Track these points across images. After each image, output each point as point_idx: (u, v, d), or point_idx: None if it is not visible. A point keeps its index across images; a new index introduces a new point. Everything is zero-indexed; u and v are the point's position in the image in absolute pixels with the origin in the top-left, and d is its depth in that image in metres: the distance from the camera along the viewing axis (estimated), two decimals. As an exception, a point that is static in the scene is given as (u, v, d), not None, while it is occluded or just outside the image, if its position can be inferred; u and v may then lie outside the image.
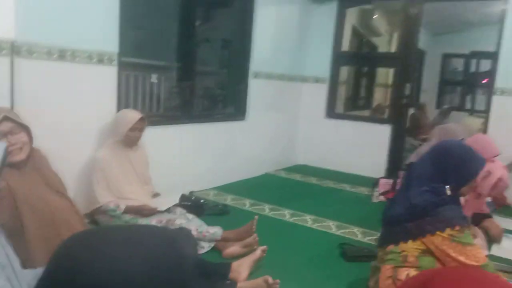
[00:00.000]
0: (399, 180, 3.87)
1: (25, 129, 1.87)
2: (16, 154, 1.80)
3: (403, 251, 1.85)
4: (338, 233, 3.10)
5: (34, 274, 1.49)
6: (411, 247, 1.84)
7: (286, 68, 4.89)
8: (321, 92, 5.28)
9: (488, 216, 3.11)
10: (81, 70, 2.72)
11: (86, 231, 0.66)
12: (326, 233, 3.08)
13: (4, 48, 2.23)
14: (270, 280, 2.00)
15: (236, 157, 4.32)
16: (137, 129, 2.83)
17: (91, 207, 2.71)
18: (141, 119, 2.83)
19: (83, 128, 2.80)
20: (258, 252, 2.27)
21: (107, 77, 2.92)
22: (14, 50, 2.28)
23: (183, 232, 0.74)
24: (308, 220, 3.31)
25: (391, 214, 1.92)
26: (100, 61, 2.83)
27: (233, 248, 2.49)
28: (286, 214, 3.41)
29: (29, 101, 2.36)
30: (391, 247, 1.89)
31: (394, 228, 1.88)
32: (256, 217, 2.58)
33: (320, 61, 5.22)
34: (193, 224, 2.63)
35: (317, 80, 5.28)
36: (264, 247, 2.31)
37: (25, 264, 1.47)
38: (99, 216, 2.74)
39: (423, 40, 6.77)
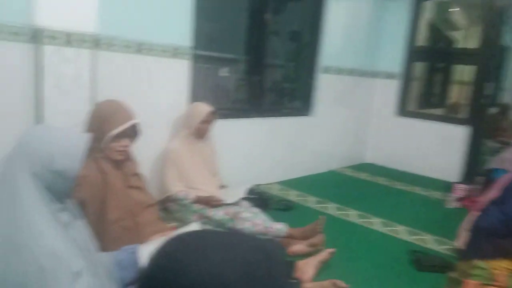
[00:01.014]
0: (479, 187, 3.58)
1: (136, 136, 1.99)
2: (120, 155, 1.93)
3: (494, 268, 1.68)
4: (408, 239, 2.94)
5: (110, 257, 1.56)
6: (502, 266, 1.67)
7: (356, 63, 4.72)
8: (392, 88, 5.04)
9: None
10: (156, 63, 2.81)
11: (186, 233, 0.65)
12: (395, 238, 2.93)
13: (87, 41, 2.34)
14: (342, 284, 1.93)
15: (301, 152, 4.26)
16: (208, 121, 2.88)
17: (162, 195, 2.80)
18: (212, 112, 2.86)
19: (157, 120, 2.90)
20: (325, 254, 2.21)
21: (180, 70, 2.99)
22: (95, 43, 2.40)
23: (274, 242, 0.70)
24: (376, 223, 3.17)
25: (483, 226, 1.76)
26: (175, 54, 2.90)
27: (298, 247, 2.45)
28: (352, 215, 3.30)
29: (107, 92, 2.47)
30: (478, 262, 1.73)
31: (485, 242, 1.72)
32: (324, 217, 2.51)
33: (392, 56, 4.98)
34: (259, 218, 2.62)
35: (388, 75, 5.04)
36: (332, 250, 2.25)
37: (101, 250, 1.54)
38: (169, 204, 2.83)
39: (507, 35, 6.19)
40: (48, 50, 2.19)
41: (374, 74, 5.03)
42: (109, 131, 1.82)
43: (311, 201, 3.53)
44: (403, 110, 5.07)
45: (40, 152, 1.16)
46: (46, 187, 1.17)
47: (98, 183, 1.79)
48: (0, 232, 1.11)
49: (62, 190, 1.21)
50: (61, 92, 2.27)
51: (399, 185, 4.34)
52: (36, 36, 2.16)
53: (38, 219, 1.14)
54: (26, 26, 2.14)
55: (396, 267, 2.48)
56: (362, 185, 4.31)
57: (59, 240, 1.17)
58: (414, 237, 2.97)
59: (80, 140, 1.25)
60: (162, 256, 0.62)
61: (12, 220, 1.11)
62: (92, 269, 1.33)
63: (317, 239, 2.44)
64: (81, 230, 1.38)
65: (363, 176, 4.62)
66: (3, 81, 2.13)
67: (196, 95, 3.18)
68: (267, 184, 3.86)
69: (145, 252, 1.52)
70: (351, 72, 4.65)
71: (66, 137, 1.24)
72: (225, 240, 0.64)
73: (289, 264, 2.14)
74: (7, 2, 2.08)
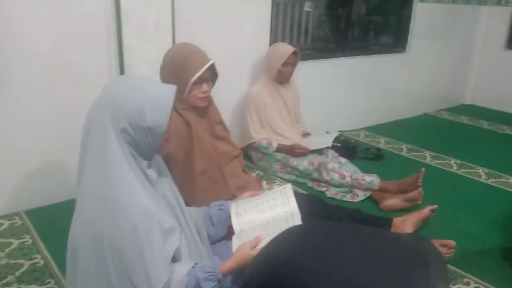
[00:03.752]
0: None
1: (215, 78, 1.85)
2: (203, 102, 1.81)
3: None
4: (521, 192, 2.57)
5: (198, 213, 1.51)
6: None
7: (461, -12, 4.05)
8: (503, 17, 4.31)
9: None
10: (236, 2, 2.61)
11: (308, 230, 0.49)
12: (504, 191, 2.58)
13: (165, -20, 2.19)
14: (451, 243, 1.74)
15: (391, 95, 3.87)
16: (290, 64, 2.66)
17: (244, 142, 2.72)
18: (294, 53, 2.63)
19: (238, 63, 2.75)
20: (426, 211, 1.98)
21: (261, 8, 2.77)
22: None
23: (436, 253, 0.51)
24: (481, 174, 2.81)
25: None
26: (255, -11, 2.67)
27: (393, 201, 2.24)
28: (452, 164, 2.95)
29: (186, 37, 2.34)
30: None
31: None
32: (423, 169, 2.24)
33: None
34: (347, 169, 2.43)
35: (499, 1, 4.28)
36: (434, 206, 2.00)
37: (188, 203, 1.48)
38: (251, 152, 2.75)
39: None
40: (127, -7, 2.10)
41: (481, 1, 4.29)
42: (189, 77, 1.70)
43: (404, 149, 3.23)
44: (515, 43, 4.35)
45: (130, 107, 1.08)
46: (132, 144, 1.11)
47: (183, 136, 1.72)
48: (94, 190, 1.08)
49: (149, 146, 1.14)
50: (141, 38, 2.20)
51: (506, 130, 3.81)
52: (113, -21, 2.06)
53: (130, 177, 1.10)
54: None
55: (506, 224, 2.17)
56: (463, 129, 3.85)
57: (149, 198, 1.13)
58: (529, 191, 2.59)
59: (170, 93, 1.15)
60: (275, 262, 0.45)
61: (105, 178, 1.07)
62: (181, 225, 1.30)
63: (416, 193, 2.20)
64: (169, 186, 1.33)
65: (462, 119, 4.13)
66: (87, 29, 2.09)
67: (276, 35, 2.95)
68: (353, 130, 3.59)
69: (234, 211, 1.45)
70: (454, -1, 4.01)
71: (156, 90, 1.14)
72: (367, 243, 0.45)
73: (384, 220, 1.96)
74: None
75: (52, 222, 2.01)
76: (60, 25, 2.01)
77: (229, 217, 1.45)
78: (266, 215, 1.40)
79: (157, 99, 1.12)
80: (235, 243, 1.35)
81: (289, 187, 1.50)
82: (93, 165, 1.08)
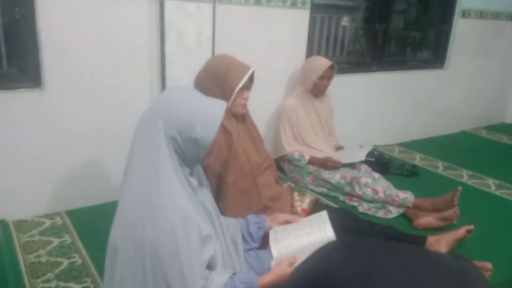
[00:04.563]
0: None
1: (252, 86, 1.92)
2: (245, 108, 1.88)
3: None
4: None
5: (236, 224, 1.55)
6: None
7: (504, 4, 3.93)
8: (550, 33, 4.15)
9: None
10: (275, 15, 2.65)
11: (350, 246, 0.50)
12: (546, 215, 2.48)
13: (207, -6, 2.27)
14: (489, 266, 1.69)
15: (428, 111, 3.80)
16: (326, 77, 2.68)
17: (277, 154, 2.74)
18: (331, 67, 2.65)
19: (274, 75, 2.79)
20: (461, 231, 1.93)
21: (299, 21, 2.79)
22: (215, -4, 2.32)
23: (478, 275, 0.52)
24: (522, 196, 2.71)
25: None
26: (294, 4, 2.70)
27: (428, 219, 2.19)
28: (490, 185, 2.86)
29: (226, 48, 2.40)
30: None
31: None
32: (460, 188, 2.19)
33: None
34: (380, 185, 2.40)
35: (545, 18, 4.14)
36: (471, 227, 1.95)
37: (222, 213, 1.52)
38: (284, 164, 2.76)
39: None
40: (171, 5, 2.18)
41: (525, 17, 4.17)
42: (234, 86, 1.75)
43: (440, 167, 3.15)
44: (562, 60, 4.18)
45: (182, 117, 1.13)
46: (178, 152, 1.16)
47: (223, 147, 1.76)
48: (140, 191, 1.13)
49: (193, 156, 1.18)
50: (183, 48, 2.28)
51: (551, 151, 3.66)
52: (158, -8, 2.15)
53: (175, 182, 1.14)
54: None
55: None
56: (502, 149, 3.72)
57: (191, 204, 1.17)
58: None
59: (220, 109, 1.20)
60: (318, 277, 0.48)
61: (152, 180, 1.12)
62: (217, 234, 1.34)
63: (451, 212, 2.14)
64: (208, 195, 1.37)
65: (502, 138, 3.99)
66: (131, 40, 2.19)
67: (312, 48, 2.96)
68: (388, 146, 3.55)
69: (273, 237, 1.54)
70: (497, 15, 3.91)
71: (207, 104, 1.20)
72: (411, 268, 0.47)
73: (419, 238, 1.92)
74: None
75: (91, 223, 2.09)
76: (105, 35, 2.11)
77: (266, 233, 1.53)
78: (303, 240, 1.47)
79: (207, 113, 1.17)
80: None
81: (325, 214, 1.56)
82: (141, 167, 1.14)
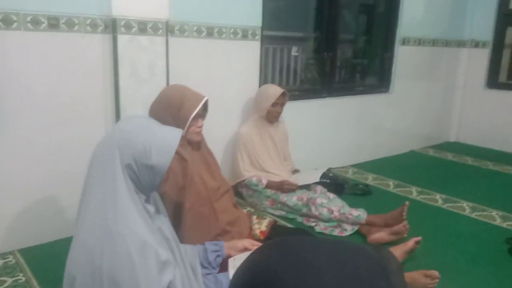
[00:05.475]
0: None
1: (206, 114, 1.99)
2: (199, 136, 1.94)
3: None
4: (504, 225, 2.64)
5: (192, 250, 1.58)
6: None
7: (440, 32, 4.29)
8: (481, 58, 4.55)
9: None
10: (227, 46, 2.77)
11: (282, 244, 0.56)
12: (488, 224, 2.66)
13: (160, 28, 2.35)
14: (435, 274, 1.78)
15: (378, 133, 4.01)
16: (279, 104, 2.79)
17: (235, 180, 2.79)
18: (283, 94, 2.77)
19: (228, 104, 2.87)
20: (411, 243, 2.04)
21: (250, 52, 2.92)
22: (168, 29, 2.40)
23: (394, 259, 0.59)
24: (466, 208, 2.89)
25: None
26: (244, 36, 2.83)
27: (380, 235, 2.30)
28: (438, 199, 3.04)
29: (180, 78, 2.47)
30: None
31: None
32: (407, 203, 2.32)
33: (481, 22, 4.49)
34: (335, 204, 2.50)
35: (477, 44, 4.55)
36: (419, 238, 2.07)
37: (179, 239, 1.55)
38: (242, 190, 2.82)
39: None
40: (124, 39, 2.23)
41: (460, 44, 4.56)
42: (188, 115, 1.81)
43: (391, 185, 3.32)
44: (494, 82, 4.57)
45: (138, 144, 1.16)
46: (134, 179, 1.18)
47: (179, 174, 1.80)
48: (97, 219, 1.14)
49: (149, 183, 1.21)
50: (137, 80, 2.32)
51: (490, 165, 3.93)
52: (112, 26, 2.21)
53: (132, 209, 1.16)
54: (102, 17, 2.19)
55: (489, 257, 2.24)
56: (447, 166, 3.97)
57: (149, 230, 1.19)
58: (510, 223, 2.66)
59: (176, 136, 1.24)
60: (254, 273, 0.53)
61: (110, 208, 1.13)
62: (176, 260, 1.35)
63: (401, 226, 2.26)
64: (165, 222, 1.39)
65: (448, 156, 4.26)
66: (85, 72, 2.21)
67: (265, 77, 3.10)
68: (341, 167, 3.70)
69: (232, 265, 1.56)
70: (434, 42, 4.25)
71: (163, 131, 1.23)
72: (335, 253, 0.53)
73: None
74: (83, -5, 2.14)
75: (46, 260, 2.04)
76: (58, 70, 2.12)
77: (225, 258, 1.57)
78: None
79: (163, 140, 1.20)
80: None
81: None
82: (98, 195, 1.15)
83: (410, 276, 1.79)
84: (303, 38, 3.95)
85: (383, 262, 0.56)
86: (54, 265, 1.36)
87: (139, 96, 2.31)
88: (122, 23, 2.21)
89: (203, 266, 1.58)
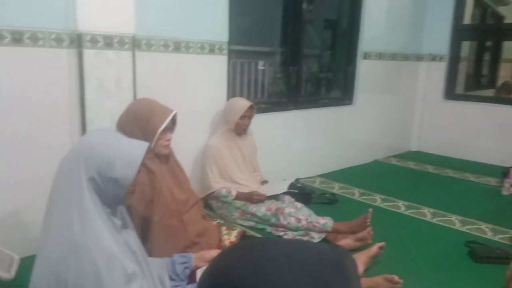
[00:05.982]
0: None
1: (174, 127, 2.01)
2: (167, 149, 1.95)
3: None
4: (463, 229, 2.78)
5: (161, 264, 1.58)
6: None
7: (399, 47, 4.50)
8: (438, 71, 4.80)
9: None
10: (194, 61, 2.81)
11: (243, 246, 0.60)
12: (448, 229, 2.78)
13: (127, 42, 2.36)
14: (396, 279, 1.85)
15: (343, 144, 4.14)
16: (247, 117, 2.85)
17: (205, 192, 2.81)
18: (251, 107, 2.83)
19: (196, 117, 2.90)
20: (374, 248, 2.12)
21: (218, 66, 2.97)
22: (135, 44, 2.42)
23: (348, 255, 0.64)
24: (427, 214, 3.02)
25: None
26: (212, 50, 2.89)
27: (346, 241, 2.37)
28: (401, 206, 3.16)
29: (147, 93, 2.49)
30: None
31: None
32: (371, 210, 2.42)
33: (438, 36, 4.74)
34: (302, 213, 2.56)
35: (434, 57, 4.80)
36: (382, 243, 2.15)
37: (148, 252, 1.55)
38: (212, 202, 2.84)
39: None
40: (90, 53, 2.23)
41: (418, 57, 4.80)
42: (156, 128, 1.83)
43: (356, 194, 3.43)
44: (451, 93, 4.82)
45: (103, 157, 1.16)
46: (98, 192, 1.17)
47: (146, 187, 1.81)
48: (62, 233, 1.13)
49: (113, 196, 1.21)
50: (103, 94, 2.31)
51: (449, 173, 4.13)
52: (78, 41, 2.21)
53: (98, 222, 1.16)
54: (68, 31, 2.19)
55: (450, 260, 2.35)
56: (409, 174, 4.14)
57: (115, 242, 1.19)
58: (469, 227, 2.80)
59: (141, 149, 1.24)
60: (217, 275, 0.57)
61: (76, 221, 1.13)
62: (144, 272, 1.35)
63: (365, 233, 2.35)
64: (132, 235, 1.39)
65: (410, 165, 4.44)
66: (50, 86, 2.19)
67: (233, 91, 3.15)
68: (309, 177, 3.79)
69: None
70: (394, 56, 4.45)
71: (129, 144, 1.24)
72: (291, 252, 0.58)
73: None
74: (48, 9, 2.13)
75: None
76: (24, 81, 2.10)
77: (193, 270, 1.57)
78: None
79: (128, 153, 1.21)
80: None
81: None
82: (63, 208, 1.15)
83: (373, 280, 1.87)
84: (269, 53, 4.05)
85: (338, 257, 0.61)
86: (21, 282, 1.33)
87: (106, 109, 2.30)
88: (88, 37, 2.21)
89: (171, 279, 1.57)
